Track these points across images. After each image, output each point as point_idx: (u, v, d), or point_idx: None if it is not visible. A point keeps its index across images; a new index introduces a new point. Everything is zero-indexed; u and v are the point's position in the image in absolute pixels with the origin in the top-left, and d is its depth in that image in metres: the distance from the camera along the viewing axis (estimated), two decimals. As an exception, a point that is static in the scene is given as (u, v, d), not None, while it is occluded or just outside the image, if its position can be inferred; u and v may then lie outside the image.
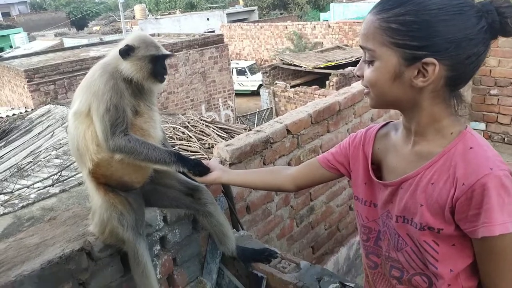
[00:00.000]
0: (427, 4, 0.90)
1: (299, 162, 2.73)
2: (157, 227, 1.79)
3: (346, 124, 2.99)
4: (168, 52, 1.58)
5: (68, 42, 19.86)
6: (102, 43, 15.55)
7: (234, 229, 2.12)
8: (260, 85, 16.92)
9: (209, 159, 1.87)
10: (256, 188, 1.58)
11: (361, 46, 1.01)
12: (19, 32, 25.93)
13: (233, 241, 1.88)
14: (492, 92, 4.45)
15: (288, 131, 2.56)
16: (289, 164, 2.63)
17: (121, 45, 1.52)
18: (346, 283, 1.68)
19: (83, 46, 14.73)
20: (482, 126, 4.65)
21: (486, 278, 0.97)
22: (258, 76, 17.67)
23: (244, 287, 1.94)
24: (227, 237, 1.86)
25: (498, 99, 4.44)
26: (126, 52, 1.49)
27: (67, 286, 1.56)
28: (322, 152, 2.88)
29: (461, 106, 1.00)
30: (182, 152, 1.70)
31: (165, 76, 1.56)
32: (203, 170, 1.55)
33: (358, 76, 1.05)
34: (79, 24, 34.05)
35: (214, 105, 13.85)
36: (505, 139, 4.53)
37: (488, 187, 0.88)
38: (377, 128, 1.20)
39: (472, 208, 0.91)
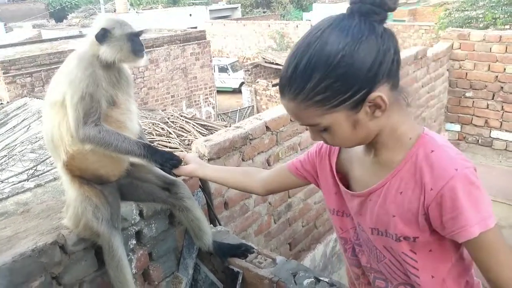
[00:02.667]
0: (329, 58, 0.87)
1: (278, 159, 2.74)
2: (132, 221, 1.77)
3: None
4: (141, 29, 1.58)
5: (46, 34, 19.39)
6: (81, 35, 15.23)
7: (211, 225, 2.12)
8: (242, 83, 16.92)
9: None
10: (229, 186, 1.59)
11: (304, 125, 0.99)
12: (-4, 23, 25.25)
13: (210, 236, 1.88)
14: (467, 94, 4.56)
15: (268, 128, 2.56)
16: (267, 161, 2.64)
17: (95, 30, 1.50)
18: (320, 278, 1.70)
19: (61, 38, 14.42)
20: (457, 127, 4.76)
21: (486, 274, 0.95)
22: (240, 74, 17.66)
23: (220, 282, 1.94)
24: (203, 232, 1.86)
25: (473, 102, 4.55)
26: (103, 36, 1.48)
27: (39, 279, 1.53)
28: (301, 150, 2.91)
29: (409, 97, 0.99)
30: (161, 149, 1.69)
31: (144, 51, 1.56)
32: (174, 163, 1.53)
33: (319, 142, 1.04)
34: (58, 16, 33.30)
35: (195, 101, 13.77)
36: (479, 141, 4.66)
37: (457, 189, 0.88)
38: None
39: (445, 214, 0.90)
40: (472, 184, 0.89)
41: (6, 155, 6.62)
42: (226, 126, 6.08)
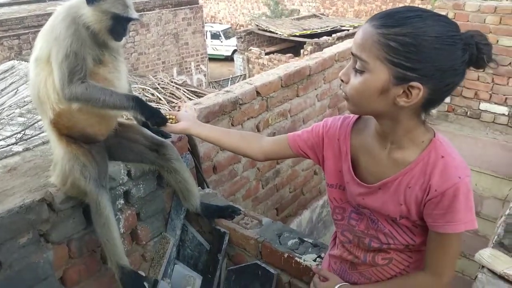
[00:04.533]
0: (426, 30, 0.94)
1: (268, 125, 2.75)
2: (120, 181, 1.78)
3: (315, 89, 3.01)
4: (134, 16, 1.52)
5: (33, -6, 18.82)
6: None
7: (199, 187, 2.14)
8: (235, 51, 16.68)
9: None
10: (225, 148, 1.58)
11: (353, 54, 1.03)
12: (-20, -19, 24.33)
13: (198, 198, 1.90)
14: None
15: (258, 93, 2.56)
16: (257, 127, 2.65)
17: None
18: (304, 239, 1.74)
19: (49, -1, 14.00)
20: (446, 99, 4.78)
21: (430, 260, 1.15)
22: (233, 41, 17.39)
23: (207, 243, 1.98)
24: (191, 194, 1.88)
25: (464, 73, 4.55)
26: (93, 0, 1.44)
27: (27, 236, 1.55)
28: (291, 117, 2.91)
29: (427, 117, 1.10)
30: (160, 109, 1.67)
31: (123, 37, 1.51)
32: (161, 121, 1.50)
33: (342, 80, 1.08)
34: (46, -24, 32.26)
35: (186, 68, 13.60)
36: (468, 113, 4.68)
37: (458, 194, 1.03)
38: (351, 122, 1.24)
39: (438, 209, 1.05)
40: (469, 191, 1.05)
41: (-6, 119, 6.53)
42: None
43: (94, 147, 1.62)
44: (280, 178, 3.03)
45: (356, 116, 1.25)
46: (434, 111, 4.89)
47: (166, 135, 1.89)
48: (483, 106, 4.55)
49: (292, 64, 2.81)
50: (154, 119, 1.49)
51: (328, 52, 3.05)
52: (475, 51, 0.99)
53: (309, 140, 1.34)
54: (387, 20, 0.98)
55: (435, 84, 0.98)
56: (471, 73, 4.50)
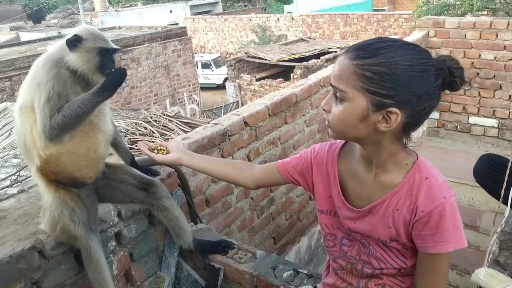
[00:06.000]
0: (397, 59, 1.00)
1: (258, 154, 2.76)
2: (111, 223, 1.77)
3: (303, 115, 3.05)
4: (117, 47, 1.56)
5: (24, 36, 19.07)
6: (60, 36, 14.91)
7: (192, 223, 2.13)
8: (226, 79, 16.86)
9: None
10: (217, 177, 1.61)
11: (332, 85, 1.09)
12: (-28, 26, 24.70)
13: (190, 234, 1.89)
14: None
15: (246, 123, 2.58)
16: (247, 157, 2.66)
17: (69, 35, 1.49)
18: (299, 270, 1.73)
19: (40, 40, 14.19)
20: (436, 115, 4.83)
21: (420, 280, 1.17)
22: (224, 70, 17.60)
23: (202, 279, 1.96)
24: (183, 231, 1.87)
25: (451, 89, 4.61)
26: (74, 43, 1.46)
27: (19, 285, 1.52)
28: (281, 144, 2.93)
29: (409, 142, 1.15)
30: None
31: (112, 70, 1.52)
32: (122, 74, 1.50)
33: (324, 109, 1.13)
34: (36, 17, 32.68)
35: (179, 99, 13.70)
36: (458, 127, 4.73)
37: (444, 213, 1.06)
38: (338, 147, 1.28)
39: (426, 229, 1.08)
40: (455, 210, 1.08)
41: (-13, 161, 6.50)
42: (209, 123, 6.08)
43: (83, 191, 1.62)
44: (275, 206, 3.03)
45: (343, 141, 1.27)
46: (424, 128, 4.93)
47: (155, 173, 1.90)
48: (472, 120, 4.60)
49: (278, 93, 2.85)
50: (117, 76, 1.49)
51: (313, 78, 3.10)
52: (448, 75, 1.04)
53: (298, 166, 1.36)
54: (361, 52, 1.03)
55: (412, 109, 1.02)
56: (458, 88, 4.57)
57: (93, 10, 25.89)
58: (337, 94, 1.07)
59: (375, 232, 1.17)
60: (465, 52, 4.35)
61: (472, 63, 4.35)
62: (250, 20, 20.68)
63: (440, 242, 1.08)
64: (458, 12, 9.78)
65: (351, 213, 1.21)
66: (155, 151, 1.57)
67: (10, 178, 5.47)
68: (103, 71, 1.50)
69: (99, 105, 1.47)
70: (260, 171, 1.49)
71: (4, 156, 6.49)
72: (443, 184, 1.10)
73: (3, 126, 7.93)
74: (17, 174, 5.49)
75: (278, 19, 20.11)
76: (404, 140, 1.11)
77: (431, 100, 1.03)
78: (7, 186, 5.24)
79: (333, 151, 1.28)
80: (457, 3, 9.90)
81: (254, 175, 1.49)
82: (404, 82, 0.99)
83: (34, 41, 14.08)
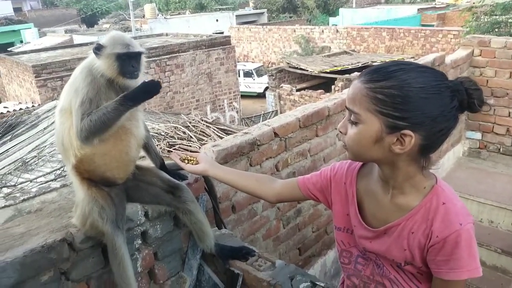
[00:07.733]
0: (410, 82, 1.01)
1: (287, 165, 2.79)
2: (138, 222, 1.85)
3: (335, 129, 3.04)
4: (134, 50, 1.56)
5: (77, 39, 20.07)
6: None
7: (216, 227, 2.18)
8: (267, 88, 16.99)
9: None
10: (240, 190, 1.67)
11: (347, 108, 1.11)
12: (30, 28, 26.11)
13: (212, 239, 1.94)
14: (488, 102, 4.46)
15: (276, 134, 2.61)
16: (276, 167, 2.69)
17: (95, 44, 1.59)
18: (316, 283, 1.73)
19: (91, 43, 14.85)
20: (478, 135, 4.68)
21: None
22: (265, 79, 17.75)
23: (222, 283, 2.00)
24: (206, 235, 1.92)
25: (494, 110, 4.47)
26: (95, 51, 1.55)
27: (48, 274, 1.63)
28: (311, 156, 2.94)
29: (430, 166, 1.13)
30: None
31: (136, 73, 1.56)
32: (152, 87, 1.50)
33: (340, 132, 1.15)
34: (90, 21, 34.34)
35: (220, 106, 13.94)
36: (501, 149, 4.56)
37: (460, 240, 1.05)
38: (358, 167, 1.30)
39: (441, 255, 1.07)
40: (471, 238, 1.07)
41: (36, 156, 6.87)
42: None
43: (113, 190, 1.71)
44: (302, 217, 3.03)
45: (360, 163, 1.29)
46: (465, 148, 4.77)
47: (183, 177, 1.96)
48: (516, 142, 4.42)
49: (310, 105, 2.87)
50: (150, 88, 1.50)
51: (346, 92, 3.09)
52: (466, 96, 1.04)
53: (317, 183, 1.39)
54: (373, 75, 1.06)
55: (427, 131, 1.02)
56: (502, 109, 4.42)
57: (143, 16, 26.87)
58: (352, 116, 1.09)
59: (390, 254, 1.17)
60: (511, 72, 4.20)
61: (518, 84, 4.19)
62: (294, 31, 20.77)
63: (454, 269, 1.07)
64: (511, 30, 9.42)
65: (367, 232, 1.22)
66: (186, 161, 1.69)
67: (54, 172, 5.76)
68: (124, 74, 1.55)
69: (124, 113, 1.50)
70: (281, 186, 1.53)
71: (51, 152, 6.84)
72: (460, 210, 1.08)
73: (52, 123, 8.36)
74: (62, 169, 5.78)
75: (323, 31, 20.07)
76: (422, 162, 1.10)
77: (447, 121, 1.03)
78: (51, 180, 5.53)
79: (352, 170, 1.30)
80: (510, 20, 9.54)
81: (275, 189, 1.53)
82: (416, 104, 1.00)
83: (86, 44, 14.80)
